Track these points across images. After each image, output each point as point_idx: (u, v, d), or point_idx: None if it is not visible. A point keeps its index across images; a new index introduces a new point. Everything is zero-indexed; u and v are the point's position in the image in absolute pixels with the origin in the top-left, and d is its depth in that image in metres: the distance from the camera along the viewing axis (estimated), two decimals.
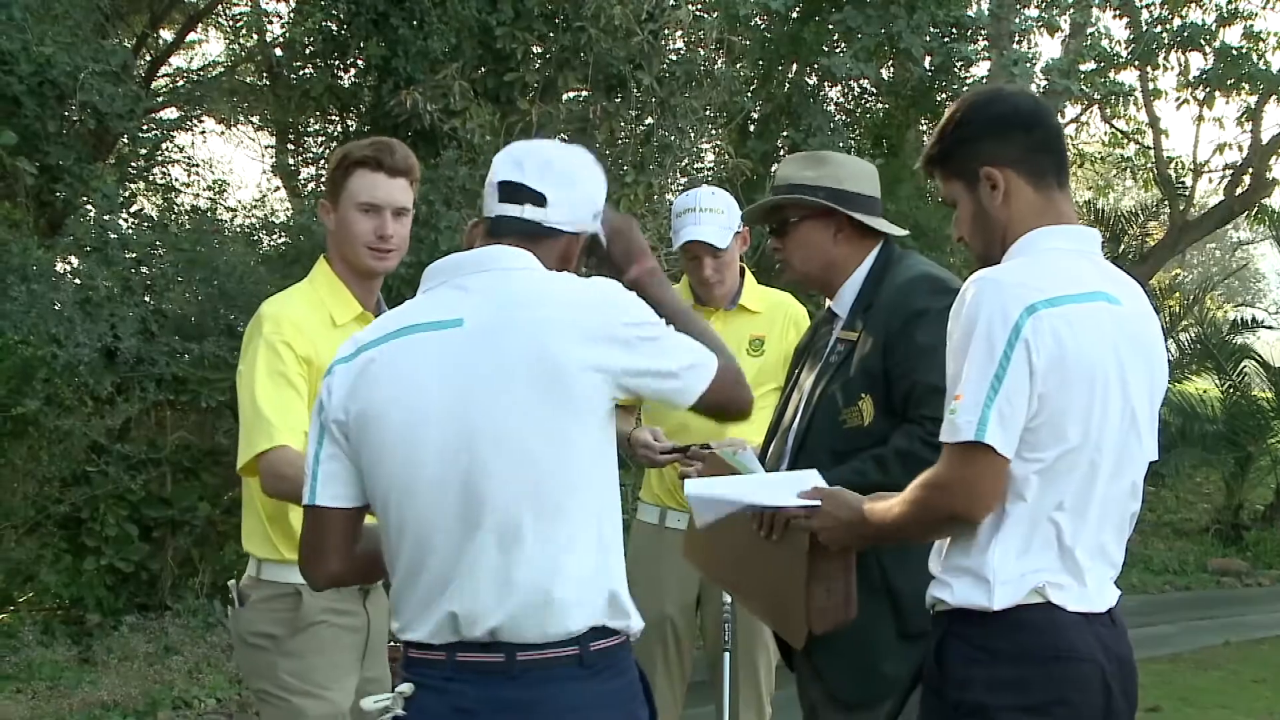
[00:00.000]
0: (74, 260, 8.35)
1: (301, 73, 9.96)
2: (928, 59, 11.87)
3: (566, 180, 2.33)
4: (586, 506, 2.19)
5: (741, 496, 2.79)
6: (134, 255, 8.27)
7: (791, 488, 2.74)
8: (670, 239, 4.26)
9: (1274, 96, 14.90)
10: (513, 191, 2.31)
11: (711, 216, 4.11)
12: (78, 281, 7.90)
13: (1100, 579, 2.44)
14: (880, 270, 3.21)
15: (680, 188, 9.54)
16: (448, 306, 2.21)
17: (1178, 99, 15.09)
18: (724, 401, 2.34)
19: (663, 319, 2.31)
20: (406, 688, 2.21)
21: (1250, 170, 15.51)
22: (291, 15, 10.17)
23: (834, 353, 3.18)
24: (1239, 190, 15.61)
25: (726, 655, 4.06)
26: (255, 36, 11.17)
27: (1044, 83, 12.47)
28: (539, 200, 2.30)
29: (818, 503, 2.67)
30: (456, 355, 2.16)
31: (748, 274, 4.28)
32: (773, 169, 11.47)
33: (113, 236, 8.13)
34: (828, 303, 3.33)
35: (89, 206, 8.49)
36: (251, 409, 2.97)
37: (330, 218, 3.13)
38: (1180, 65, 14.86)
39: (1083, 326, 2.34)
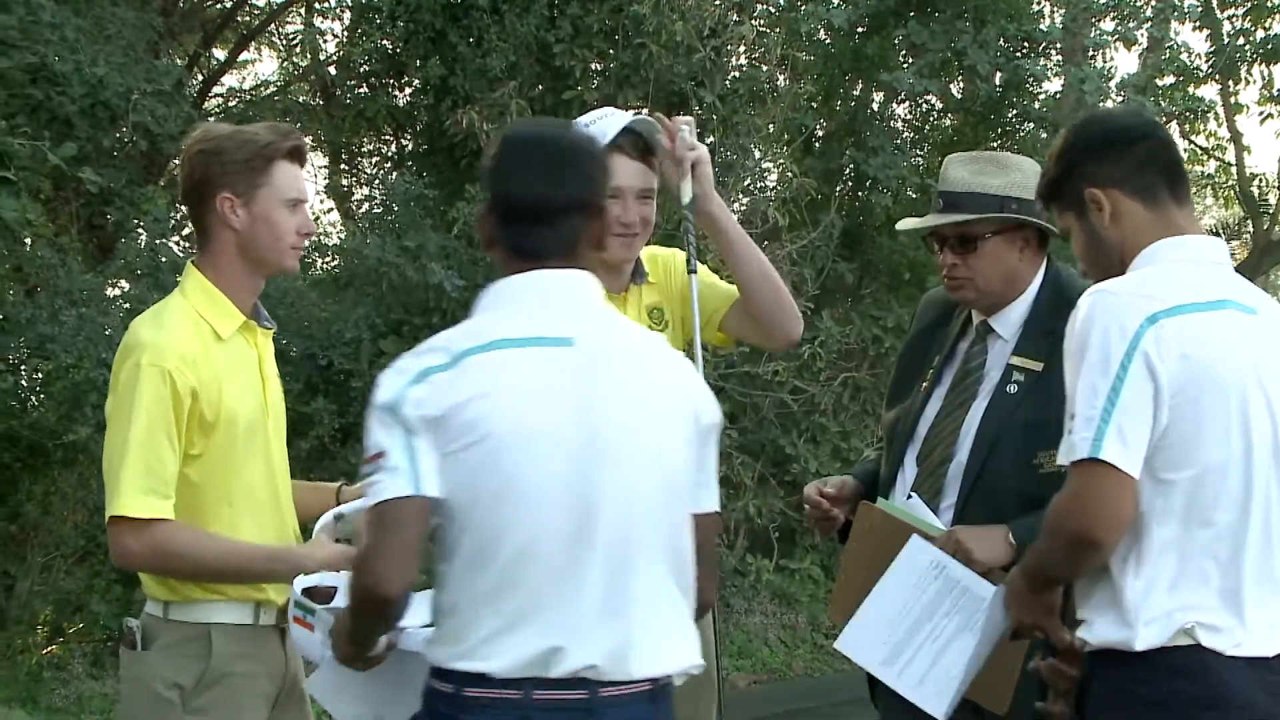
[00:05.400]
0: (125, 284, 8.28)
1: (356, 92, 9.92)
2: (997, 75, 11.54)
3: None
4: (684, 550, 2.19)
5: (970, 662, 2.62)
6: None
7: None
8: None
9: None
10: None
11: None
12: (128, 306, 7.79)
13: (1272, 617, 2.24)
14: (1053, 290, 2.93)
15: (743, 208, 9.27)
16: (549, 324, 2.18)
17: (1261, 114, 14.68)
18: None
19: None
20: None
21: None
22: (346, 34, 10.10)
23: (1010, 381, 2.89)
24: None
25: None
26: (309, 56, 11.16)
27: (1120, 99, 12.09)
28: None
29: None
30: (573, 372, 2.15)
31: None
32: (837, 189, 11.26)
33: (163, 260, 8.01)
34: (973, 316, 3.02)
35: (140, 229, 8.42)
36: (121, 455, 2.66)
37: (240, 215, 2.82)
38: (1264, 79, 14.45)
39: (1211, 335, 2.25)
